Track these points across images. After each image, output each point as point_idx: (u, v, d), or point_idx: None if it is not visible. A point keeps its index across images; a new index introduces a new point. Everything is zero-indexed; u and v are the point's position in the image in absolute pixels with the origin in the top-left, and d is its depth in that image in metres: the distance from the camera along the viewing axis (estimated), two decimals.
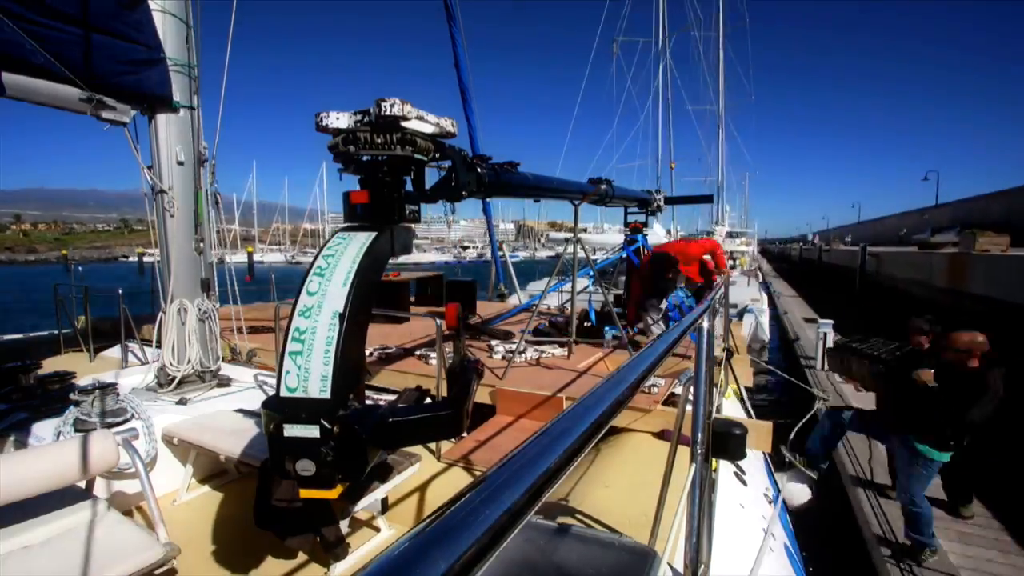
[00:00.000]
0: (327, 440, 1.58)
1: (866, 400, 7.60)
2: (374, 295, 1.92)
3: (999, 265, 9.44)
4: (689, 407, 1.52)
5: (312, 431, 1.57)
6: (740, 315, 11.94)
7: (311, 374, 1.61)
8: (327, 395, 1.60)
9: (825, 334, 9.48)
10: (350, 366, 1.69)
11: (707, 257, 6.05)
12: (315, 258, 1.81)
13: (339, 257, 1.77)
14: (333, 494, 1.71)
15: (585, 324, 5.61)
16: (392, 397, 3.85)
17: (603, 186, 5.13)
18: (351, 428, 1.60)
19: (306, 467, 1.58)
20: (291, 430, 1.58)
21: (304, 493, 1.68)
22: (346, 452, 1.61)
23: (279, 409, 1.62)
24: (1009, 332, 8.03)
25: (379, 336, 5.39)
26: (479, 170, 2.62)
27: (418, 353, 4.71)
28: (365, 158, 1.98)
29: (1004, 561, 4.05)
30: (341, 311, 1.64)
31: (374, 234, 1.87)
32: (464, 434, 3.53)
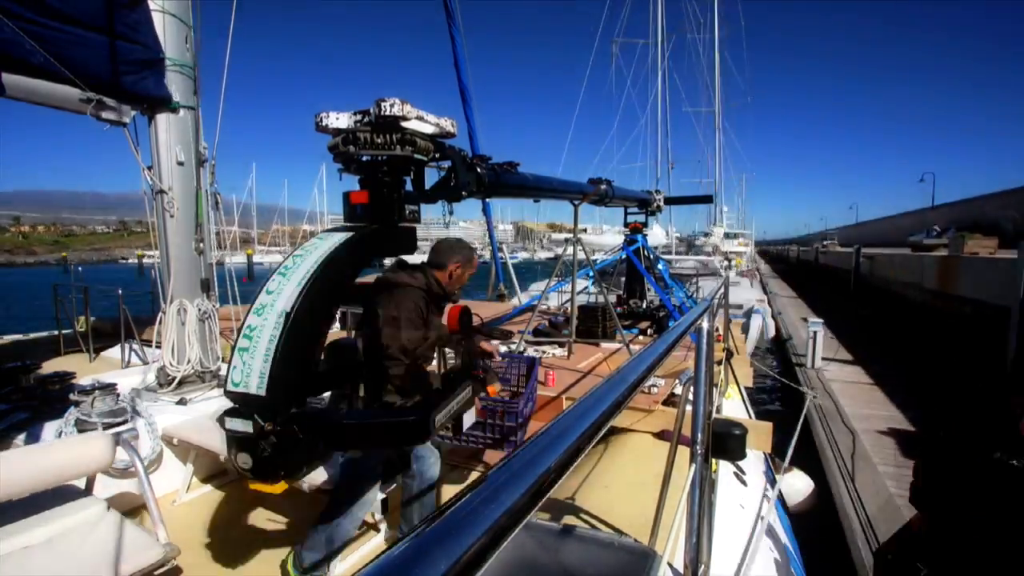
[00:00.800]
0: (262, 436, 1.62)
1: (854, 398, 7.64)
2: (336, 296, 1.92)
3: (987, 268, 9.42)
4: (689, 407, 1.52)
5: (247, 426, 1.61)
6: (748, 315, 11.87)
7: (252, 371, 1.64)
8: (262, 392, 1.62)
9: (815, 332, 9.49)
10: (297, 366, 1.70)
11: None
12: (285, 258, 1.83)
13: (306, 258, 1.78)
14: (276, 489, 1.78)
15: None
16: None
17: (603, 186, 5.13)
18: (289, 428, 1.64)
19: (244, 460, 1.63)
20: (230, 423, 1.63)
21: (252, 485, 1.75)
22: (283, 450, 1.64)
23: (227, 401, 1.68)
24: (995, 335, 8.04)
25: None
26: (479, 170, 2.62)
27: None
28: (365, 158, 1.98)
29: None
30: (288, 310, 1.66)
31: (349, 235, 1.88)
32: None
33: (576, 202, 4.84)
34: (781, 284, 27.80)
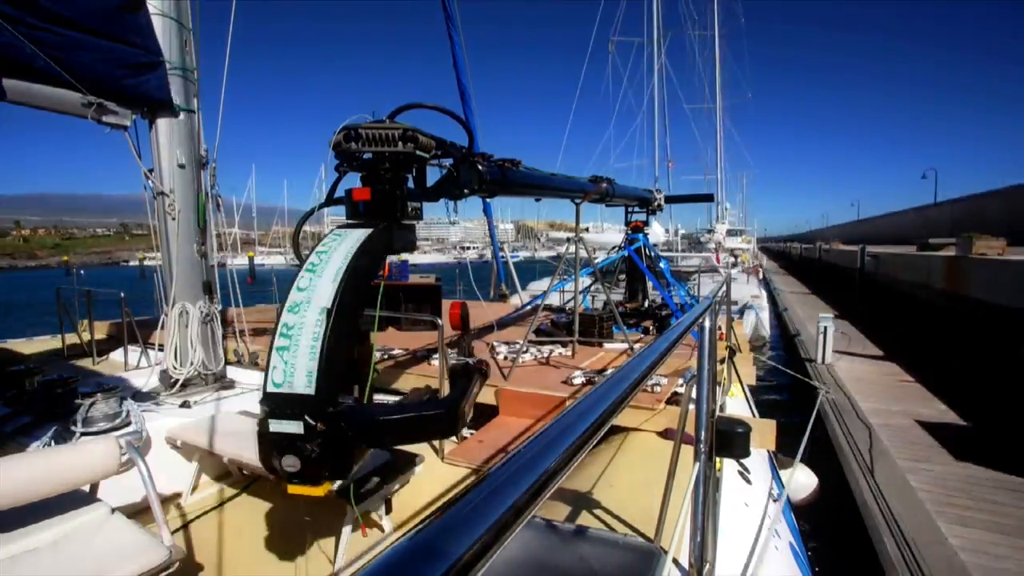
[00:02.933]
0: (312, 436, 1.57)
1: (866, 391, 7.61)
2: (367, 292, 1.90)
3: (995, 269, 9.33)
4: (692, 406, 1.52)
5: (296, 427, 1.56)
6: (741, 312, 11.95)
7: (296, 370, 1.60)
8: (311, 391, 1.58)
9: (826, 328, 9.42)
10: (339, 363, 1.67)
11: None
12: (309, 255, 1.81)
13: (331, 254, 1.77)
14: (320, 491, 1.71)
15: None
16: (396, 398, 3.86)
17: (604, 184, 5.12)
18: (338, 425, 1.59)
19: (291, 463, 1.58)
20: (276, 426, 1.58)
21: (291, 489, 1.68)
22: (332, 449, 1.59)
23: (265, 404, 1.62)
24: (1006, 337, 7.97)
25: (381, 338, 5.39)
26: (480, 168, 2.62)
27: (419, 354, 4.71)
28: (367, 155, 1.98)
29: (1006, 543, 4.02)
30: (328, 306, 1.64)
31: (369, 231, 1.87)
32: (465, 434, 3.52)
33: (577, 201, 4.84)
34: (787, 280, 27.67)
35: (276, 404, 1.60)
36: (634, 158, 28.96)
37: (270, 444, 1.60)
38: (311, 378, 1.58)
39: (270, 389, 1.60)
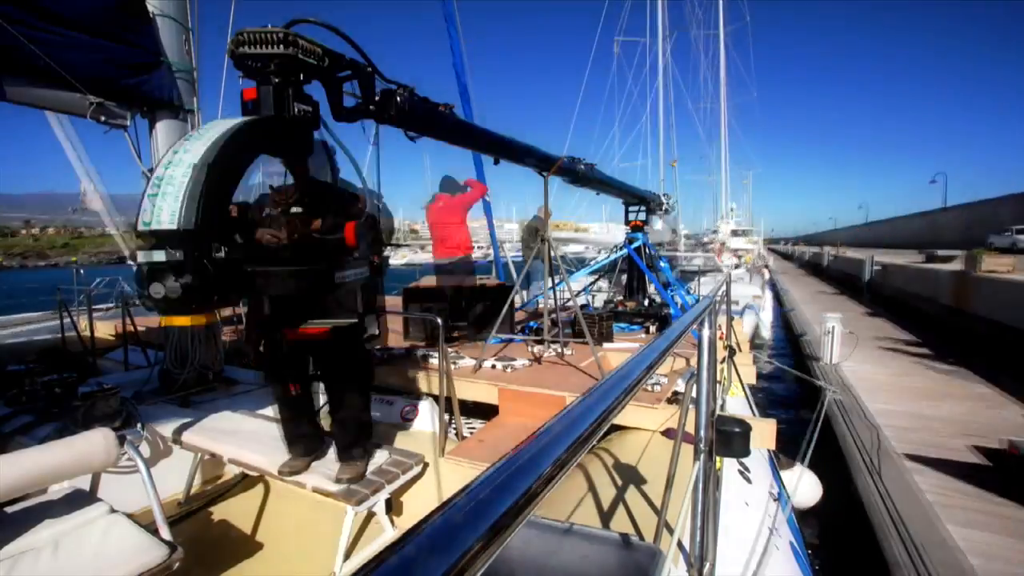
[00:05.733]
0: (175, 267, 1.76)
1: (874, 390, 7.59)
2: (239, 162, 2.01)
3: (1002, 288, 9.19)
4: (692, 405, 1.52)
5: (159, 256, 1.77)
6: (741, 313, 11.96)
7: (163, 211, 1.78)
8: (174, 226, 1.74)
9: (833, 327, 9.35)
10: (206, 209, 1.81)
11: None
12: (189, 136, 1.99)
13: (212, 128, 1.95)
14: (187, 321, 1.85)
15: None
16: (395, 397, 3.86)
17: (565, 159, 4.98)
18: (201, 261, 1.77)
19: (156, 290, 1.76)
20: (143, 256, 1.79)
21: (163, 321, 1.85)
22: (196, 283, 1.77)
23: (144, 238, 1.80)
24: (1014, 357, 7.91)
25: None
26: (398, 98, 2.71)
27: (420, 353, 4.70)
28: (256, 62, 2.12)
29: (1019, 548, 3.97)
30: (196, 162, 1.80)
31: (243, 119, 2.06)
32: (465, 433, 3.52)
33: (544, 174, 4.73)
34: (793, 281, 27.48)
35: (145, 242, 1.80)
36: (639, 158, 28.89)
37: (144, 276, 1.80)
38: (174, 216, 1.75)
39: (140, 229, 1.80)
